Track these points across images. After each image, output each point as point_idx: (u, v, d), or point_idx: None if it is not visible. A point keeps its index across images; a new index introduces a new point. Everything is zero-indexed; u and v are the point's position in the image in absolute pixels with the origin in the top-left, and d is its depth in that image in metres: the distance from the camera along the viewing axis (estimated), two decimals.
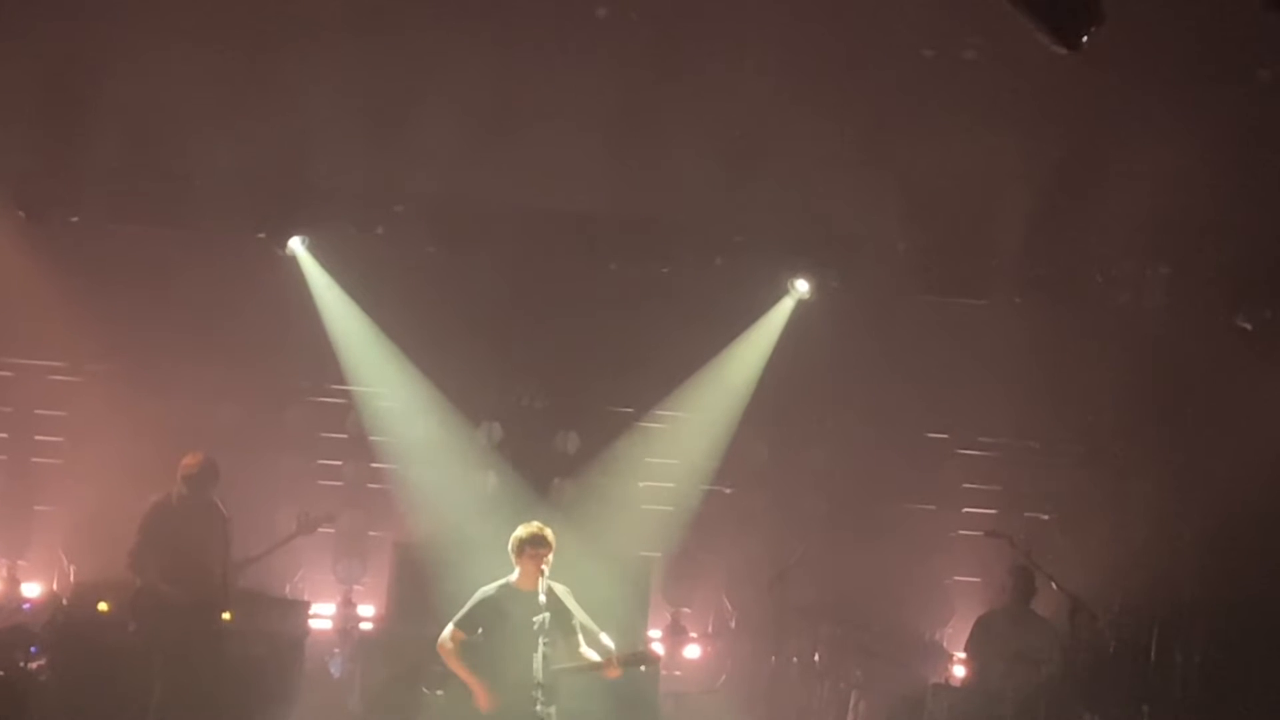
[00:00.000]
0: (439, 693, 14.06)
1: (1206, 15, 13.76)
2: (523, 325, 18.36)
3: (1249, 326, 17.38)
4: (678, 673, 18.55)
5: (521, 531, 12.80)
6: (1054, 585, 16.43)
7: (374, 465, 18.84)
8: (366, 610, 18.54)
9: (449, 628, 12.81)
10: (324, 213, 17.49)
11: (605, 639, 12.72)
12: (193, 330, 18.04)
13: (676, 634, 18.99)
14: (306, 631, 16.81)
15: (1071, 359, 18.15)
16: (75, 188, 17.15)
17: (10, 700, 15.09)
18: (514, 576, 12.76)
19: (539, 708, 11.90)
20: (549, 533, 12.76)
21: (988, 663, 16.25)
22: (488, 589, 12.84)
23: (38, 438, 18.65)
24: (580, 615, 12.75)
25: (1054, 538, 18.56)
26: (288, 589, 18.15)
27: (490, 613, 12.72)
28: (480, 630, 12.71)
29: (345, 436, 19.04)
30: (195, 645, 14.67)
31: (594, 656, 12.58)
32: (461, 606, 12.92)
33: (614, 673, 12.56)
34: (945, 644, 18.71)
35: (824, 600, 18.20)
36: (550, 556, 12.66)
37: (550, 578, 12.65)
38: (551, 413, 19.10)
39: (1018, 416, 18.99)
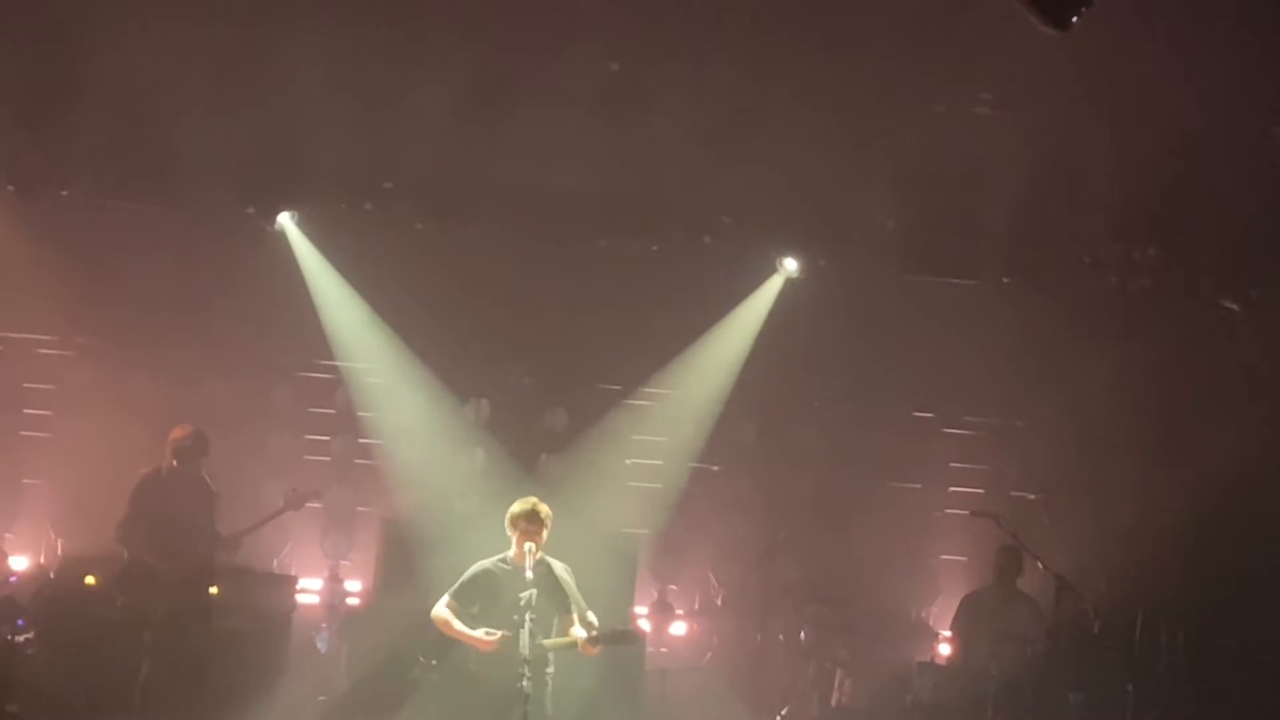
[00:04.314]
0: (434, 662, 14.08)
1: None
2: (511, 302, 18.38)
3: (1235, 308, 17.42)
4: (664, 649, 18.58)
5: (516, 506, 12.77)
6: (1040, 565, 16.47)
7: (362, 441, 18.86)
8: (353, 585, 18.59)
9: (444, 598, 12.81)
10: (313, 189, 17.47)
11: (592, 617, 12.75)
12: (182, 305, 18.10)
13: (663, 611, 19.02)
14: (294, 606, 16.85)
15: (1058, 339, 18.20)
16: (65, 163, 17.14)
17: None
18: (511, 552, 12.76)
19: (524, 684, 11.88)
20: (543, 509, 12.72)
21: (973, 642, 16.31)
22: (484, 563, 12.83)
23: (26, 411, 18.68)
24: (574, 593, 12.76)
25: (1040, 517, 18.61)
26: (275, 564, 18.21)
27: (484, 586, 12.72)
28: (476, 605, 12.72)
29: (333, 412, 19.07)
30: (182, 619, 14.73)
31: (579, 634, 12.60)
32: (449, 581, 12.94)
33: (592, 651, 12.57)
34: (931, 623, 18.78)
35: (810, 578, 18.27)
36: (544, 533, 12.66)
37: (547, 555, 12.68)
38: (540, 390, 19.12)
39: (1004, 396, 19.04)
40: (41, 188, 17.27)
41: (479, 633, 12.55)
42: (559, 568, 12.80)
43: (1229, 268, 17.41)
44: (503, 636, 12.37)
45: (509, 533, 12.76)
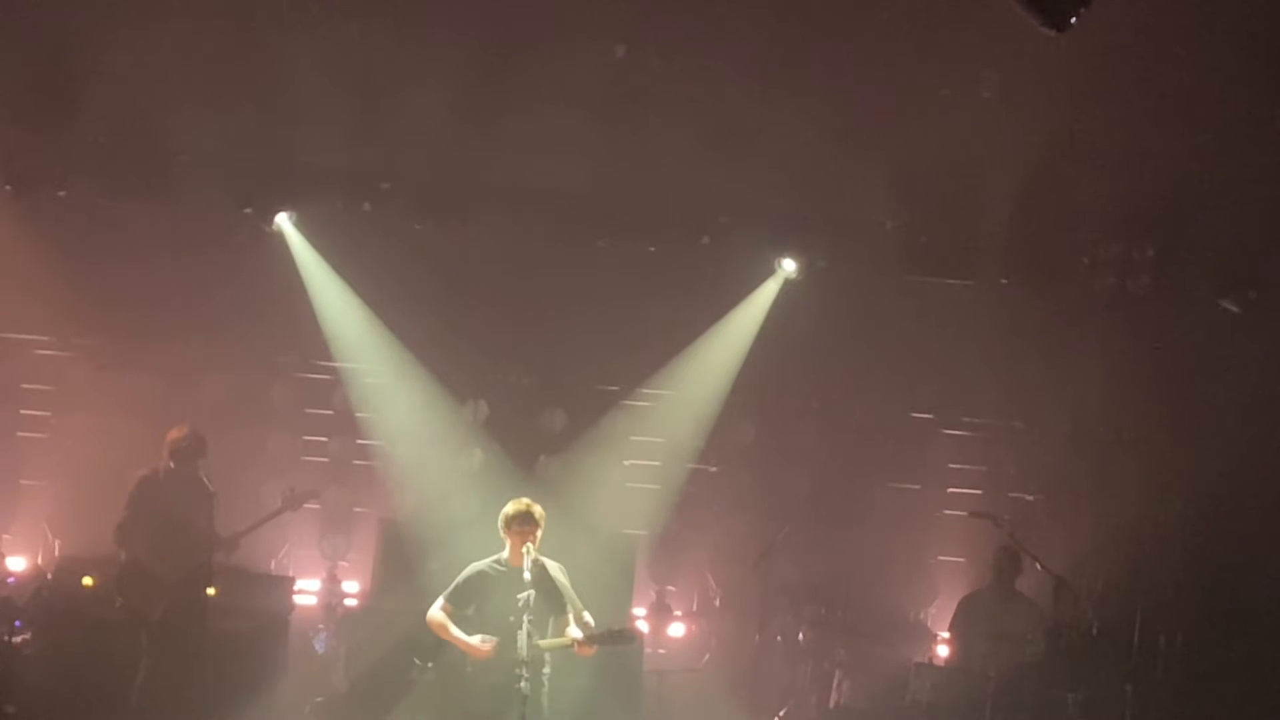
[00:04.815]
0: (429, 665, 14.07)
1: None
2: (510, 303, 18.36)
3: (1234, 308, 17.40)
4: (662, 650, 18.58)
5: (509, 508, 12.80)
6: (1038, 565, 16.49)
7: (360, 442, 18.85)
8: (351, 586, 18.58)
9: (439, 601, 12.84)
10: (311, 189, 17.47)
11: (588, 617, 12.74)
12: (179, 305, 18.09)
13: (661, 612, 19.02)
14: (291, 607, 16.84)
15: (1057, 340, 18.17)
16: (63, 163, 17.11)
17: None
18: (505, 553, 12.78)
19: (523, 684, 11.89)
20: (537, 510, 12.74)
21: (971, 642, 16.32)
22: (478, 564, 12.87)
23: (23, 412, 18.67)
24: (569, 593, 12.76)
25: (1039, 518, 18.59)
26: (273, 565, 18.22)
27: (479, 588, 12.75)
28: (471, 606, 12.73)
29: (331, 413, 19.06)
30: (180, 620, 14.71)
31: (575, 634, 12.59)
32: (447, 582, 12.95)
33: (586, 651, 12.55)
34: (929, 623, 18.79)
35: (808, 579, 18.26)
36: (538, 533, 12.65)
37: (540, 555, 12.66)
38: (538, 390, 19.11)
39: (1003, 397, 19.03)
40: (39, 187, 17.24)
41: (475, 639, 12.58)
42: (554, 568, 12.80)
43: (1228, 269, 17.40)
44: (496, 645, 12.41)
45: (502, 534, 12.77)
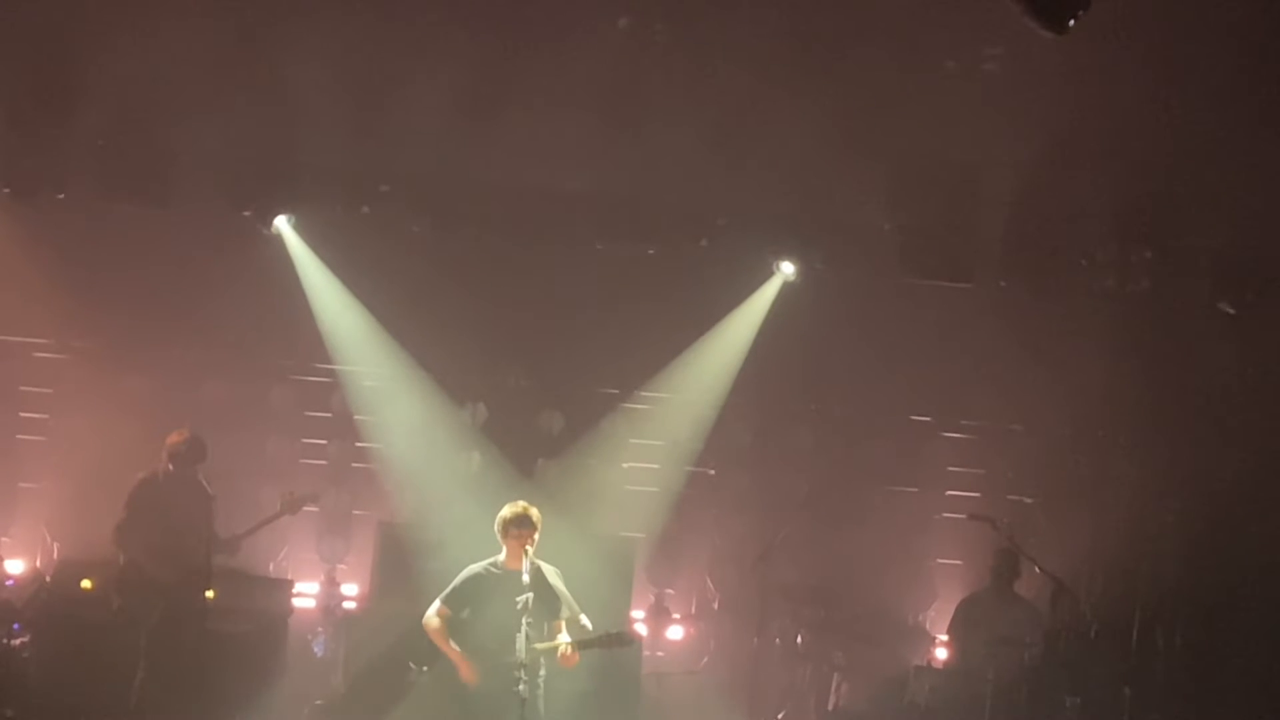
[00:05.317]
0: (425, 669, 14.07)
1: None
2: (508, 305, 18.35)
3: (1232, 310, 17.40)
4: (660, 653, 18.58)
5: (506, 511, 12.78)
6: (1037, 568, 16.49)
7: (358, 444, 18.84)
8: (350, 589, 18.55)
9: (435, 604, 12.82)
10: (310, 192, 17.44)
11: (585, 620, 12.72)
12: (178, 308, 18.07)
13: (659, 615, 19.01)
14: (290, 610, 16.80)
15: (1055, 342, 18.15)
16: (62, 165, 17.06)
17: None
18: (501, 556, 12.77)
19: (521, 687, 11.89)
20: (534, 512, 12.73)
21: (970, 645, 16.30)
22: (475, 567, 12.85)
23: (22, 414, 18.64)
24: (565, 596, 12.74)
25: (1037, 521, 18.59)
26: (271, 567, 18.21)
27: (476, 591, 12.73)
28: (467, 609, 12.72)
29: (330, 415, 19.05)
30: (178, 623, 14.69)
31: (566, 638, 12.59)
32: (445, 585, 12.94)
33: (569, 661, 12.52)
34: (928, 626, 18.78)
35: (807, 582, 18.25)
36: (535, 536, 12.63)
37: (536, 558, 12.64)
38: (536, 393, 19.10)
39: (1002, 399, 19.01)
40: (38, 190, 17.20)
41: (466, 662, 12.57)
42: (550, 571, 12.78)
43: (1226, 271, 17.41)
44: (479, 678, 12.45)
45: (499, 537, 12.76)
